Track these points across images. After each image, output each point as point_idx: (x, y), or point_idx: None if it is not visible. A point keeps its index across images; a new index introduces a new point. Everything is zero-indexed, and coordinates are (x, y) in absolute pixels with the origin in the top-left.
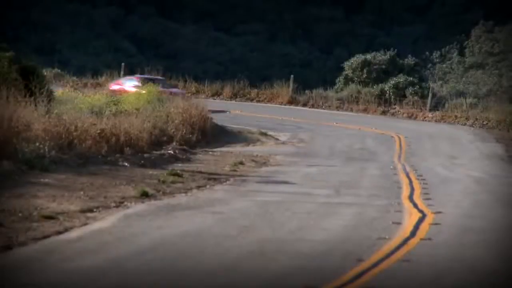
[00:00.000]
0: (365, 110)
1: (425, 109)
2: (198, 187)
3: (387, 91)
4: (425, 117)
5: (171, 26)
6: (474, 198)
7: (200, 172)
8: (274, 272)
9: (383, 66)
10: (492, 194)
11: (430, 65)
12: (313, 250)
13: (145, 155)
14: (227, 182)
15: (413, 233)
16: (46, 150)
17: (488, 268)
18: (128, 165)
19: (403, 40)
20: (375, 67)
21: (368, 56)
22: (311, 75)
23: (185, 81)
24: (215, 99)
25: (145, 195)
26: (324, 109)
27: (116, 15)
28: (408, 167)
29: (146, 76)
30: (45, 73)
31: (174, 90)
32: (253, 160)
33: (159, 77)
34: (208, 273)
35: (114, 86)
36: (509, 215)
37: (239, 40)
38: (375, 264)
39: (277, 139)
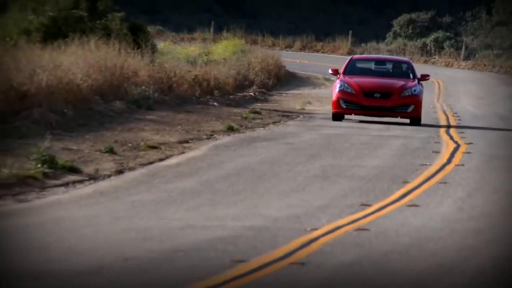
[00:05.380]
0: (410, 60)
1: (459, 59)
2: (274, 123)
3: (428, 44)
4: (459, 65)
5: None
6: (500, 132)
7: (275, 110)
8: (336, 192)
9: (425, 24)
10: None
11: (463, 22)
12: (367, 174)
13: (231, 96)
14: (297, 118)
15: (449, 160)
16: (151, 92)
17: (511, 188)
18: (217, 105)
19: (441, 2)
20: (418, 24)
21: (413, 15)
22: (366, 31)
23: (263, 36)
24: (287, 51)
25: (230, 129)
26: None
27: None
28: (445, 106)
29: None
30: (150, 30)
31: None
32: (318, 101)
33: None
34: (281, 193)
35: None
36: None
37: (307, 2)
38: (418, 186)
39: None
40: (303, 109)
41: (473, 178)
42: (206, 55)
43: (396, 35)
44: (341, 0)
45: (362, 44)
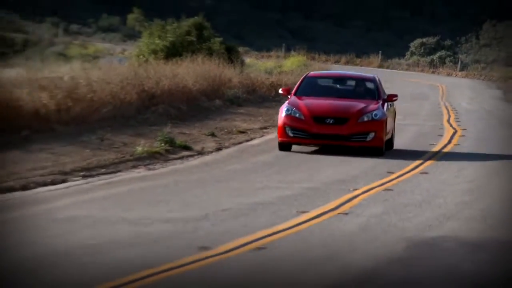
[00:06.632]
0: (422, 71)
1: (457, 70)
2: None
3: (435, 60)
4: (456, 75)
5: (309, 23)
6: (485, 122)
7: None
8: (369, 164)
9: (432, 45)
10: (496, 119)
11: (459, 44)
12: (391, 152)
13: None
14: None
15: (449, 141)
16: (240, 93)
17: (495, 161)
18: None
19: (444, 30)
20: (428, 45)
21: (424, 39)
22: (390, 50)
23: (319, 54)
24: (336, 65)
25: None
26: (398, 70)
27: (279, 16)
28: (446, 103)
29: None
30: (240, 50)
31: None
32: None
33: None
34: (331, 164)
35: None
36: (507, 131)
37: (348, 31)
38: (428, 158)
39: None
40: None
41: (467, 154)
42: (279, 67)
43: (412, 54)
44: (373, 28)
45: (388, 60)
